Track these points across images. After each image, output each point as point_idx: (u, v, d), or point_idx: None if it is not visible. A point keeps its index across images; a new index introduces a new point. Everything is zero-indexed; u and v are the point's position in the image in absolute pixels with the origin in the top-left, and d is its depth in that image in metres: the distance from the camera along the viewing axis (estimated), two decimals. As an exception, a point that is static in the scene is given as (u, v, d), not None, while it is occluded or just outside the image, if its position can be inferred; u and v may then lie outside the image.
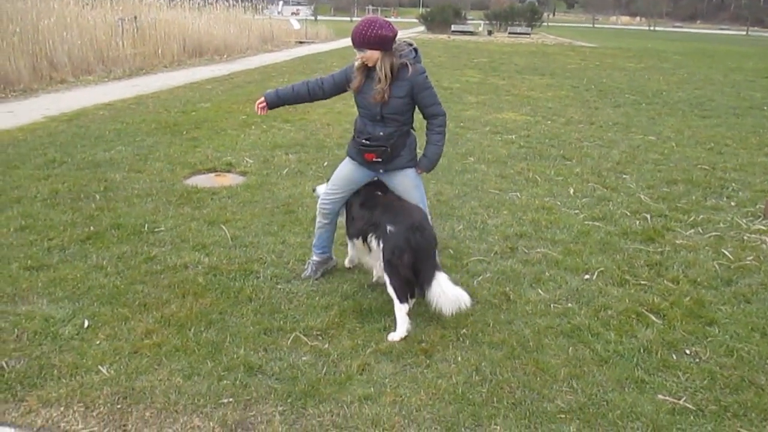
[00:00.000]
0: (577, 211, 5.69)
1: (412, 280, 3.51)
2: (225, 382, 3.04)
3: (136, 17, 17.85)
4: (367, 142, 3.75)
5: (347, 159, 3.99)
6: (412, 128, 3.93)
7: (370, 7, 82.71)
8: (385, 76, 3.61)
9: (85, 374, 3.06)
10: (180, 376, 3.07)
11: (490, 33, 43.63)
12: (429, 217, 3.81)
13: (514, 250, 4.77)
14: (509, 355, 3.33)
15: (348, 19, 62.68)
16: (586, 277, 4.35)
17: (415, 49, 3.73)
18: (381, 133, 3.73)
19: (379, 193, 3.88)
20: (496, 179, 6.63)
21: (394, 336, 3.47)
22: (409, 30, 45.40)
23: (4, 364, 3.12)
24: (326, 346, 3.38)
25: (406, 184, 3.88)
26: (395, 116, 3.73)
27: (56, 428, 2.73)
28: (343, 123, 9.32)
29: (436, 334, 3.52)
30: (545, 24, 55.35)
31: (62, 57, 14.24)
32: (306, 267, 4.25)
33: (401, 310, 3.50)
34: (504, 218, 5.45)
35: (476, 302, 3.85)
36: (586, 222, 5.40)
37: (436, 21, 44.41)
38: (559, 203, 5.90)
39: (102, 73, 15.03)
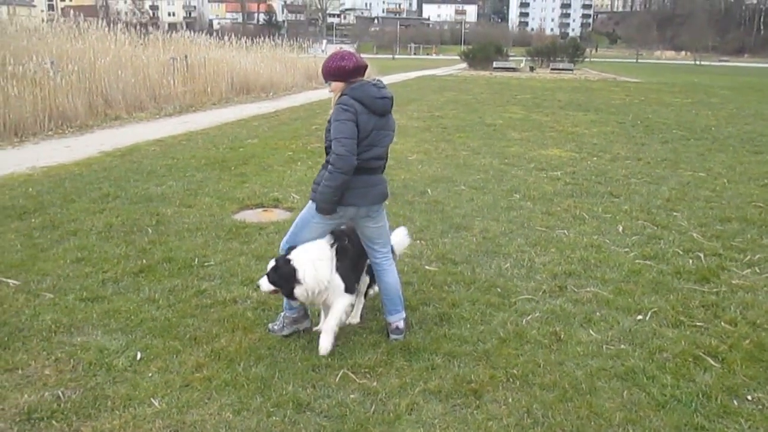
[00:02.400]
0: (627, 250, 5.58)
1: None
2: (274, 418, 3.04)
3: (186, 56, 18.51)
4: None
5: None
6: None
7: (412, 45, 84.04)
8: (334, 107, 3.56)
9: (138, 406, 3.11)
10: (230, 410, 3.09)
11: (532, 69, 43.73)
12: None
13: (563, 289, 4.69)
14: (561, 398, 3.25)
15: (390, 57, 63.69)
16: (639, 317, 4.23)
17: (367, 83, 3.58)
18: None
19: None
20: (543, 216, 6.56)
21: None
22: (451, 67, 45.90)
23: (61, 394, 3.20)
24: (374, 384, 3.36)
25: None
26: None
27: (110, 460, 2.77)
28: (387, 159, 9.41)
29: (485, 374, 3.47)
30: (588, 59, 55.18)
31: (117, 95, 14.82)
32: (276, 320, 3.98)
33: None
34: (552, 256, 5.38)
35: (527, 343, 3.80)
36: (636, 261, 5.29)
37: (478, 58, 44.81)
38: (608, 241, 5.80)
39: (154, 110, 15.56)
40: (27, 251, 5.25)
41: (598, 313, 4.27)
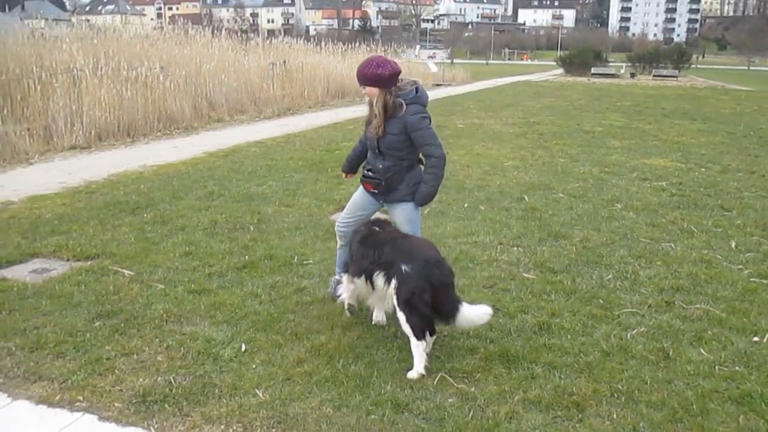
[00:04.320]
0: (740, 267, 5.24)
1: (432, 317, 3.49)
2: (373, 416, 3.07)
3: (285, 62, 19.11)
4: (368, 173, 4.06)
5: (360, 187, 4.22)
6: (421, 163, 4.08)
7: (507, 50, 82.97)
8: (378, 113, 3.85)
9: (243, 396, 3.22)
10: (330, 406, 3.14)
11: (632, 75, 42.10)
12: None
13: (671, 304, 4.47)
14: (671, 418, 3.09)
15: (484, 62, 63.12)
16: (755, 339, 3.96)
17: (417, 89, 3.90)
18: (380, 166, 3.98)
19: (377, 229, 3.83)
20: (647, 228, 6.28)
21: (413, 373, 3.42)
22: (546, 73, 44.95)
23: (172, 380, 3.37)
24: (472, 389, 3.32)
25: (401, 216, 4.08)
26: (392, 151, 3.92)
27: (217, 446, 2.88)
28: (482, 165, 9.33)
29: (587, 387, 3.36)
30: (694, 66, 52.45)
31: (220, 98, 15.52)
32: (330, 285, 4.45)
33: (419, 347, 3.44)
34: (657, 269, 5.14)
35: (632, 358, 3.65)
36: (752, 279, 4.96)
37: (575, 63, 43.58)
38: (719, 257, 5.48)
39: (254, 112, 16.17)
40: (140, 244, 5.57)
41: (709, 332, 4.03)
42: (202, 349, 3.69)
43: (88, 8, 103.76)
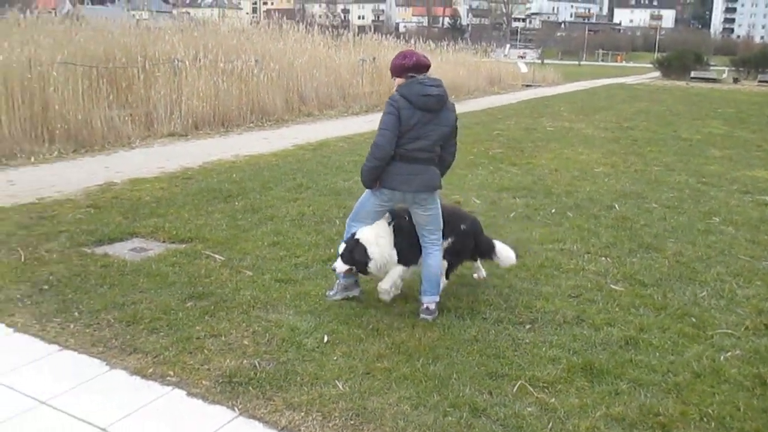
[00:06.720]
0: None
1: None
2: (450, 418, 3.07)
3: (374, 58, 19.26)
4: None
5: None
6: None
7: (600, 51, 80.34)
8: None
9: (324, 386, 3.30)
10: (408, 404, 3.17)
11: (735, 80, 39.75)
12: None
13: (771, 327, 4.21)
14: (766, 449, 2.93)
15: (576, 63, 61.37)
16: None
17: (416, 81, 3.92)
18: None
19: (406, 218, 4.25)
20: (747, 244, 5.94)
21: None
22: (641, 75, 43.22)
23: (257, 364, 3.49)
24: (553, 400, 3.26)
25: None
26: None
27: (297, 431, 2.97)
28: (571, 170, 9.09)
29: (675, 408, 3.22)
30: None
31: (310, 92, 15.86)
32: (332, 287, 4.46)
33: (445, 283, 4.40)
34: (757, 289, 4.85)
35: (725, 382, 3.47)
36: None
37: (674, 66, 41.61)
38: (830, 280, 5.11)
39: (342, 108, 16.42)
40: (231, 231, 5.79)
41: (814, 361, 3.77)
42: (286, 336, 3.80)
43: (188, 1, 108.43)
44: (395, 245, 4.17)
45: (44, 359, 3.55)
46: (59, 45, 10.92)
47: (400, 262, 4.20)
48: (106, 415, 3.04)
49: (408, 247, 4.20)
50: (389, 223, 4.21)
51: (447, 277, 4.51)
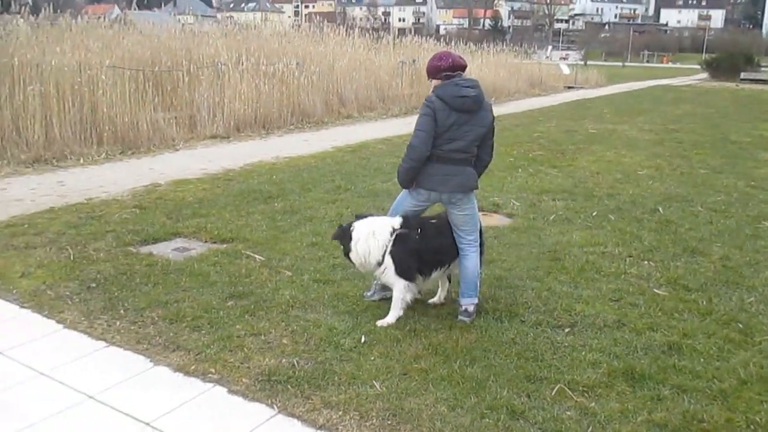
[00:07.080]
0: None
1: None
2: (487, 420, 3.05)
3: (414, 60, 19.26)
4: None
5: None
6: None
7: (645, 52, 78.72)
8: None
9: (361, 386, 3.32)
10: (445, 405, 3.16)
11: (788, 82, 38.43)
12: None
13: (823, 335, 4.06)
14: (817, 460, 2.83)
15: (620, 64, 60.20)
16: None
17: (451, 82, 3.90)
18: None
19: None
20: (798, 249, 5.74)
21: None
22: (688, 77, 42.19)
23: (296, 363, 3.53)
24: (593, 404, 3.21)
25: None
26: None
27: (334, 429, 2.99)
28: (614, 172, 8.93)
29: (720, 415, 3.14)
30: None
31: (350, 95, 15.96)
32: (371, 288, 4.45)
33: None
34: (808, 296, 4.69)
35: (773, 389, 3.36)
36: None
37: (722, 67, 40.49)
38: None
39: (381, 110, 16.47)
40: (270, 231, 5.87)
41: None
42: (324, 336, 3.84)
43: (231, 5, 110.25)
44: (391, 253, 4.00)
45: (91, 355, 3.66)
46: (108, 49, 11.25)
47: (398, 273, 4.02)
48: (150, 410, 3.12)
49: (413, 260, 4.04)
50: (393, 230, 4.05)
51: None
